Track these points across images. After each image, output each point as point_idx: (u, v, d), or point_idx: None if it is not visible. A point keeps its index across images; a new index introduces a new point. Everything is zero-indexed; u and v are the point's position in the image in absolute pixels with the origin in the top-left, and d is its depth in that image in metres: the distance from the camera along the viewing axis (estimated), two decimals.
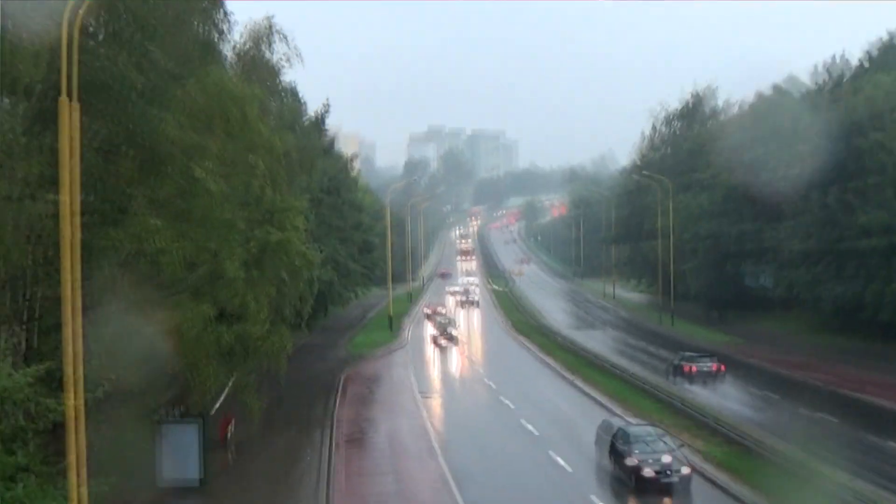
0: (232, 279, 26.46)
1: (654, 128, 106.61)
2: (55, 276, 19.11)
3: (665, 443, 30.03)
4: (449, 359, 65.17)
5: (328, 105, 60.89)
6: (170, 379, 27.43)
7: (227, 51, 34.16)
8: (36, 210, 20.78)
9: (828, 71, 77.66)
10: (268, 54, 36.89)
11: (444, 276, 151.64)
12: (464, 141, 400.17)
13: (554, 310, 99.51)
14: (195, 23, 25.88)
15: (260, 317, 28.96)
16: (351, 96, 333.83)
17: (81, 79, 17.54)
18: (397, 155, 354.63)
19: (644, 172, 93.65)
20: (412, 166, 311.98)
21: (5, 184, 20.82)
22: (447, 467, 32.25)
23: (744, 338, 70.14)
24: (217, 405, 34.79)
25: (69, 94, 17.04)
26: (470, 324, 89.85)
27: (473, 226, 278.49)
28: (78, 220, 17.22)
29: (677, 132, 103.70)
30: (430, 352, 68.15)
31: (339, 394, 48.36)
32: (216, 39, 28.32)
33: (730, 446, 33.47)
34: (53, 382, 18.85)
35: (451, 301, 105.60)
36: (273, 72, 37.52)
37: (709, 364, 50.81)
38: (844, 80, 74.71)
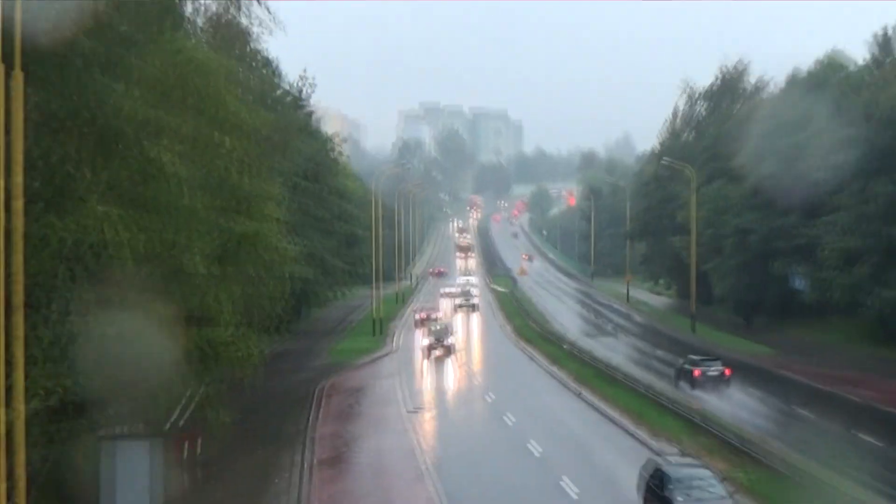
0: (193, 276, 25.96)
1: (675, 110, 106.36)
2: None
3: (716, 488, 26.77)
4: (443, 369, 64.75)
5: (308, 78, 59.97)
6: (123, 390, 26.89)
7: (195, 15, 33.72)
8: None
9: (879, 45, 77.06)
10: (239, 18, 36.36)
11: (439, 274, 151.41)
12: (462, 121, 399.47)
13: (562, 313, 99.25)
14: None
15: (225, 319, 28.46)
16: (336, 70, 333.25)
17: (23, 43, 17.14)
18: (387, 136, 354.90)
19: (666, 159, 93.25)
20: (404, 149, 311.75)
21: None
22: (437, 494, 31.78)
23: (775, 347, 69.80)
24: (182, 421, 34.34)
25: (9, 62, 16.61)
26: (468, 329, 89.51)
27: (473, 217, 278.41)
28: (21, 205, 16.82)
29: (703, 115, 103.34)
30: (422, 361, 67.75)
31: (317, 407, 48.08)
32: (179, 0, 27.94)
33: (782, 482, 30.93)
34: None
35: (446, 305, 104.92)
36: (245, 38, 37.01)
37: (719, 368, 51.32)
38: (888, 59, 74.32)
